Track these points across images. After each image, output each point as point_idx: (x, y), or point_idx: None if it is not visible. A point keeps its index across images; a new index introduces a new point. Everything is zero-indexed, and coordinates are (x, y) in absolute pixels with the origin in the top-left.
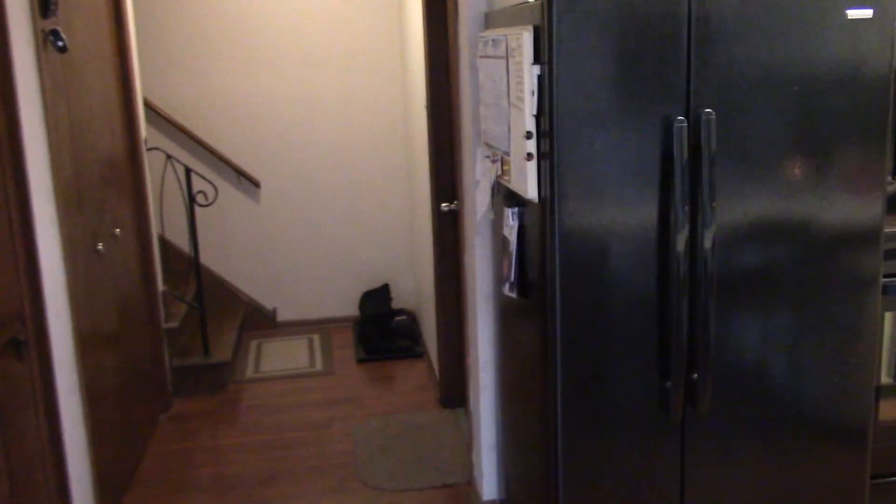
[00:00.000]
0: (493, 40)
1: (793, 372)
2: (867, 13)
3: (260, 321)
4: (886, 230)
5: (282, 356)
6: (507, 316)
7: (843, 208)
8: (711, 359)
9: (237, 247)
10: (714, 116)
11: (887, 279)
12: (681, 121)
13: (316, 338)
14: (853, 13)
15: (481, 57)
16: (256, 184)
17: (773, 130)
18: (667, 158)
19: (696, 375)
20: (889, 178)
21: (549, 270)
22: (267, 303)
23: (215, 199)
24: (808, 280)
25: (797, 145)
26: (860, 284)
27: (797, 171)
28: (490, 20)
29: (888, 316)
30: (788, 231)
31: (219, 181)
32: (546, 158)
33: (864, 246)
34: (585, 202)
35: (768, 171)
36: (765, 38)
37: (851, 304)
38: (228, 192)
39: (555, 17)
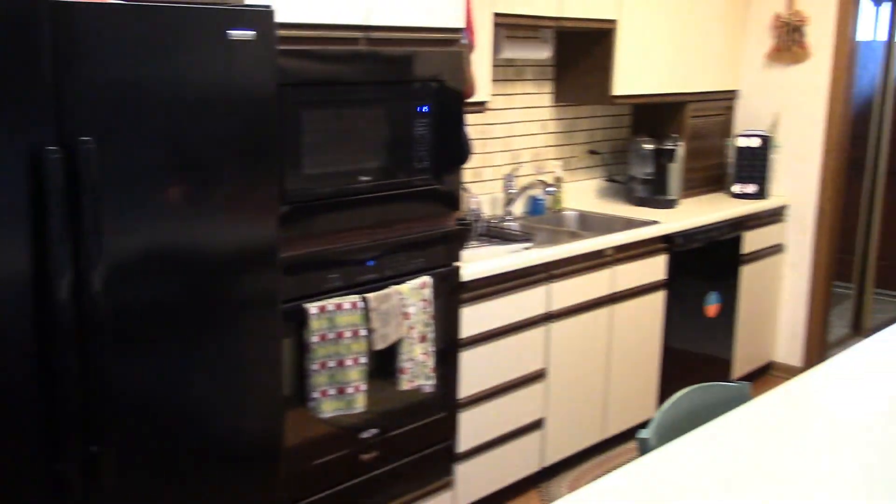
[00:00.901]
0: None
1: (207, 411)
2: (249, 34)
3: None
4: (283, 255)
5: None
6: None
7: (237, 233)
8: (114, 423)
9: None
10: (93, 144)
11: (286, 304)
12: (53, 151)
13: None
14: (235, 34)
15: None
16: None
17: (159, 156)
18: (40, 195)
19: (95, 447)
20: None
21: None
22: None
23: None
24: (213, 311)
25: (184, 170)
26: (261, 309)
27: (187, 197)
28: None
29: (287, 342)
30: (186, 262)
31: None
32: None
33: (262, 270)
34: None
35: (158, 200)
36: (144, 59)
37: (256, 330)
38: None
39: None
